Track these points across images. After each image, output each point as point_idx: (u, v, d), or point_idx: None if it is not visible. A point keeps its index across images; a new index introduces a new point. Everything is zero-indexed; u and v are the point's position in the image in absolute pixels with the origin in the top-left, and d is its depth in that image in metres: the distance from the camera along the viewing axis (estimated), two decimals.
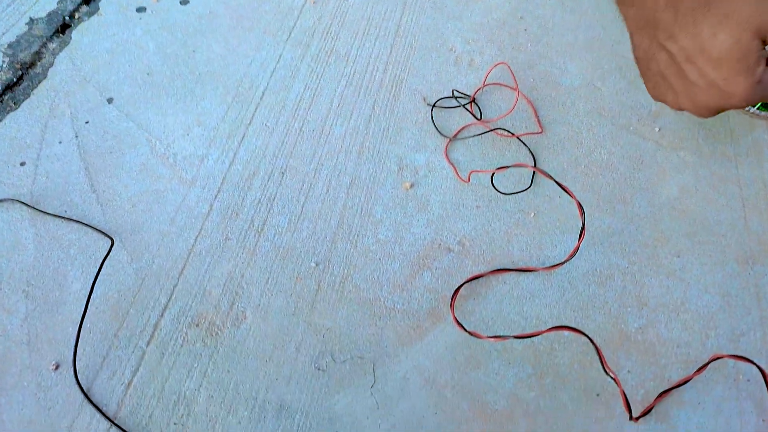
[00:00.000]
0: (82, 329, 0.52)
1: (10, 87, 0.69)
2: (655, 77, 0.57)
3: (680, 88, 0.54)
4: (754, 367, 0.50)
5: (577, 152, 0.65)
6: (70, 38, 0.74)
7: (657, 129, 0.67)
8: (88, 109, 0.68)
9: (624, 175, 0.63)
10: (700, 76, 0.51)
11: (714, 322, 0.54)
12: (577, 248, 0.53)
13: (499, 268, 0.57)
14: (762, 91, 0.50)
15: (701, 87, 0.52)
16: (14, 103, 0.68)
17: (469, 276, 0.56)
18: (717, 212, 0.60)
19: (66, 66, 0.72)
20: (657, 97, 0.59)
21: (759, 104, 0.66)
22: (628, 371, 0.51)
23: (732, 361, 0.51)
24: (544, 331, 0.50)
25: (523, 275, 0.56)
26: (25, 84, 0.69)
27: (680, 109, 0.57)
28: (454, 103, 0.68)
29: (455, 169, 0.63)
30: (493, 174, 0.61)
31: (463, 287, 0.55)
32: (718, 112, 0.54)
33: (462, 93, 0.69)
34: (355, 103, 0.69)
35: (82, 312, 0.53)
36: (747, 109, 0.66)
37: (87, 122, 0.67)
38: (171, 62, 0.72)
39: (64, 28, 0.75)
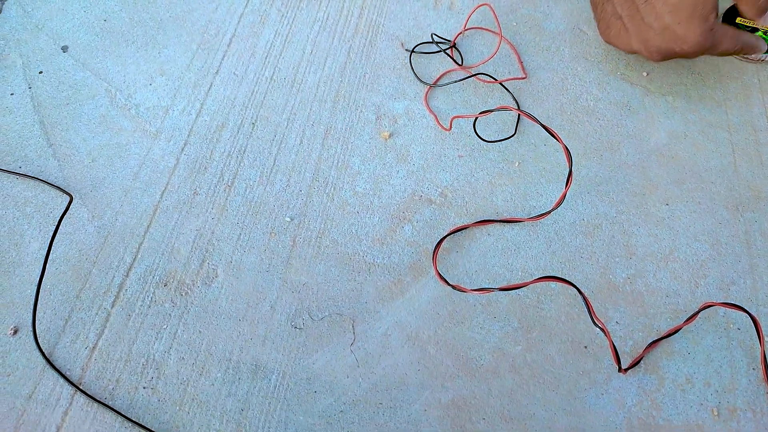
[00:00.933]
0: (40, 291, 0.49)
1: None
2: (609, 18, 0.59)
3: (633, 30, 0.56)
4: (745, 315, 0.49)
5: (562, 99, 0.62)
6: None
7: (645, 74, 0.64)
8: (42, 59, 0.63)
9: (611, 121, 0.61)
10: (655, 19, 0.53)
11: (703, 270, 0.52)
12: (564, 195, 0.51)
13: (482, 219, 0.54)
14: (713, 40, 0.52)
15: (655, 29, 0.54)
16: None
17: (452, 228, 0.53)
18: (706, 158, 0.58)
19: (16, 12, 0.66)
20: (609, 39, 0.61)
21: None
22: (617, 322, 0.50)
23: (722, 309, 0.50)
24: (530, 282, 0.48)
25: (508, 226, 0.54)
26: None
27: (631, 51, 0.58)
28: (433, 48, 0.65)
29: (436, 117, 0.59)
30: (475, 120, 0.58)
31: (445, 240, 0.53)
32: (669, 58, 0.56)
33: (442, 38, 0.65)
34: (329, 50, 0.65)
35: (40, 272, 0.49)
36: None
37: (41, 72, 0.62)
38: (130, 7, 0.67)
39: None
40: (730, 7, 0.66)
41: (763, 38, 0.61)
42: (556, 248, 0.53)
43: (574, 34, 0.67)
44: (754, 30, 0.65)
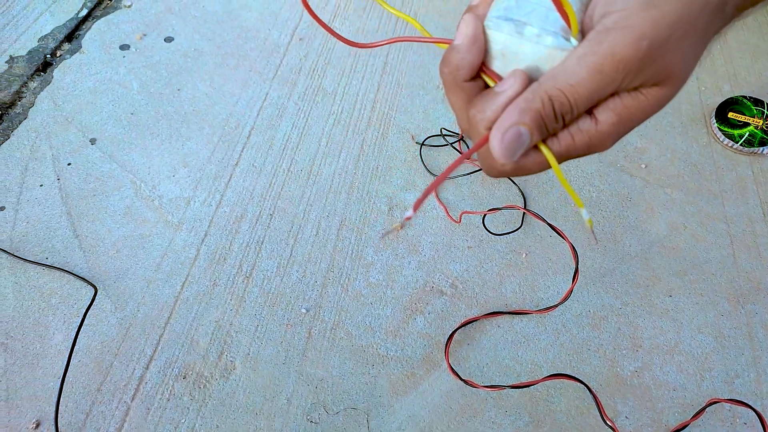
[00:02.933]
0: (64, 384, 0.50)
1: None
2: None
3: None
4: (751, 411, 0.50)
5: (566, 191, 0.65)
6: (52, 77, 0.73)
7: (643, 165, 0.67)
8: (71, 151, 0.66)
9: (613, 212, 0.63)
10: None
11: (708, 363, 0.54)
12: (571, 291, 0.53)
13: (492, 311, 0.56)
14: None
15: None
16: None
17: (463, 320, 0.55)
18: (706, 250, 0.61)
19: (47, 105, 0.70)
20: None
21: (742, 140, 0.68)
22: (626, 417, 0.51)
23: (728, 405, 0.51)
24: (540, 380, 0.49)
25: (517, 318, 0.56)
26: (4, 125, 0.68)
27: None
28: (442, 141, 0.68)
29: (446, 210, 0.62)
30: (484, 216, 0.61)
31: (456, 332, 0.54)
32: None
33: (450, 131, 0.69)
34: (343, 142, 0.68)
35: (65, 366, 0.51)
36: (730, 144, 0.68)
37: (69, 164, 0.65)
38: (155, 102, 0.71)
39: (45, 66, 0.74)
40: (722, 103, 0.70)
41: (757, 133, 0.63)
42: (564, 340, 0.55)
43: None
44: (746, 125, 0.68)
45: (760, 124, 0.69)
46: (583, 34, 0.27)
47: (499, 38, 0.27)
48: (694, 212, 0.63)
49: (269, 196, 0.64)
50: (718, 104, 0.71)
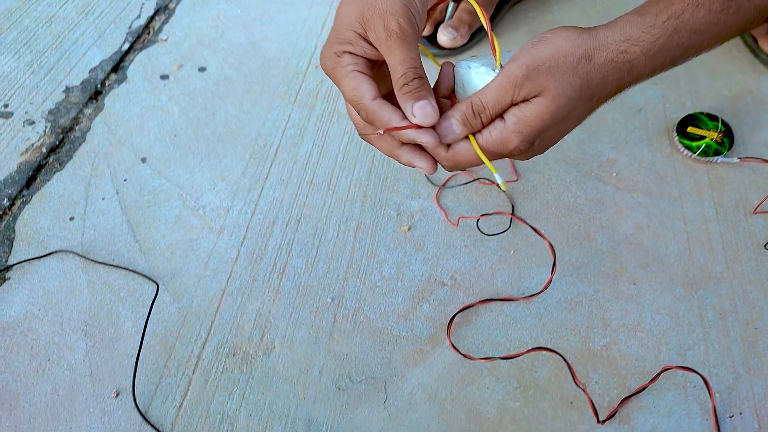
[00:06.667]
0: (138, 361, 0.62)
1: (53, 150, 0.79)
2: None
3: None
4: (698, 376, 0.61)
5: (548, 196, 0.76)
6: (103, 104, 0.85)
7: (614, 174, 0.78)
8: (125, 169, 0.78)
9: (588, 215, 0.75)
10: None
11: (665, 338, 0.65)
12: (550, 281, 0.64)
13: (486, 298, 0.67)
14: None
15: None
16: (59, 164, 0.77)
17: (461, 306, 0.66)
18: (666, 245, 0.72)
19: (102, 130, 0.82)
20: None
21: (699, 150, 0.79)
22: (596, 382, 0.62)
23: (680, 371, 0.62)
24: (524, 352, 0.61)
25: (507, 304, 0.67)
26: (67, 147, 0.79)
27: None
28: None
29: (446, 214, 0.74)
30: (478, 220, 0.72)
31: (456, 316, 0.66)
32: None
33: None
34: (357, 157, 0.80)
35: (138, 347, 0.62)
36: (689, 155, 0.79)
37: (125, 180, 0.77)
38: (194, 124, 0.83)
39: (96, 94, 0.86)
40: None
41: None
42: (545, 321, 0.66)
43: None
44: (702, 138, 0.80)
45: (715, 136, 0.80)
46: None
47: (460, 74, 0.45)
48: (657, 213, 0.75)
49: (296, 205, 0.75)
50: (679, 119, 0.82)
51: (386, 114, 0.44)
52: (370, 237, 0.72)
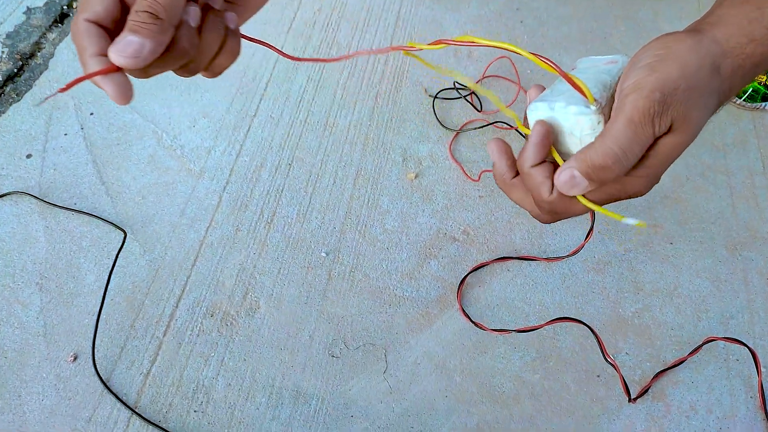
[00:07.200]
0: (99, 321, 0.53)
1: (11, 78, 0.69)
2: None
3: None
4: (744, 348, 0.53)
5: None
6: (69, 28, 0.74)
7: None
8: (92, 101, 0.68)
9: None
10: None
11: (705, 305, 0.57)
12: (582, 246, 0.56)
13: (502, 256, 0.59)
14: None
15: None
16: (16, 95, 0.68)
17: (475, 264, 0.58)
18: (707, 201, 0.63)
19: (67, 56, 0.71)
20: None
21: (745, 95, 0.69)
22: (626, 353, 0.54)
23: (723, 342, 0.54)
24: (544, 324, 0.53)
25: (526, 263, 0.59)
26: (26, 75, 0.69)
27: None
28: (455, 94, 0.70)
29: (462, 169, 0.64)
30: None
31: (468, 276, 0.57)
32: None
33: (462, 85, 0.70)
34: (358, 95, 0.70)
35: (100, 303, 0.54)
36: (734, 100, 0.70)
37: (92, 114, 0.67)
38: None
39: (62, 17, 0.75)
40: None
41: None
42: (570, 284, 0.58)
43: None
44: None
45: (764, 80, 0.70)
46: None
47: (536, 115, 0.34)
48: (697, 164, 0.66)
49: (287, 146, 0.66)
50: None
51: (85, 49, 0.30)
52: (371, 185, 0.63)
